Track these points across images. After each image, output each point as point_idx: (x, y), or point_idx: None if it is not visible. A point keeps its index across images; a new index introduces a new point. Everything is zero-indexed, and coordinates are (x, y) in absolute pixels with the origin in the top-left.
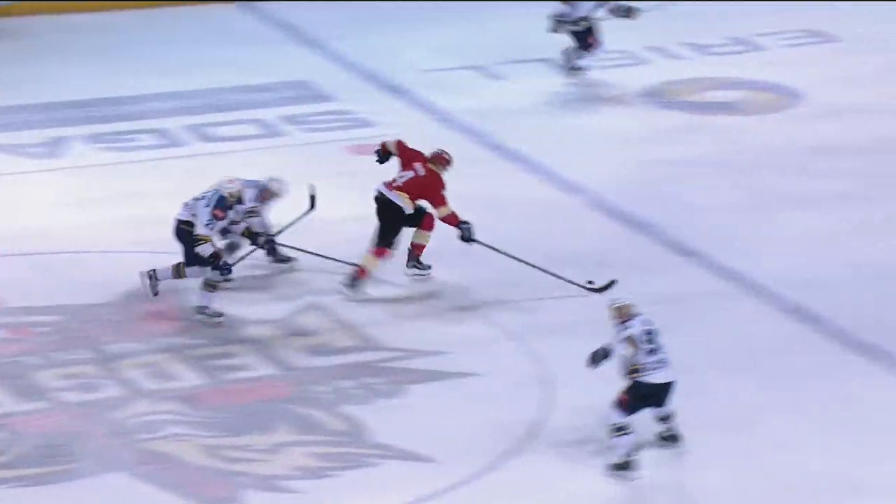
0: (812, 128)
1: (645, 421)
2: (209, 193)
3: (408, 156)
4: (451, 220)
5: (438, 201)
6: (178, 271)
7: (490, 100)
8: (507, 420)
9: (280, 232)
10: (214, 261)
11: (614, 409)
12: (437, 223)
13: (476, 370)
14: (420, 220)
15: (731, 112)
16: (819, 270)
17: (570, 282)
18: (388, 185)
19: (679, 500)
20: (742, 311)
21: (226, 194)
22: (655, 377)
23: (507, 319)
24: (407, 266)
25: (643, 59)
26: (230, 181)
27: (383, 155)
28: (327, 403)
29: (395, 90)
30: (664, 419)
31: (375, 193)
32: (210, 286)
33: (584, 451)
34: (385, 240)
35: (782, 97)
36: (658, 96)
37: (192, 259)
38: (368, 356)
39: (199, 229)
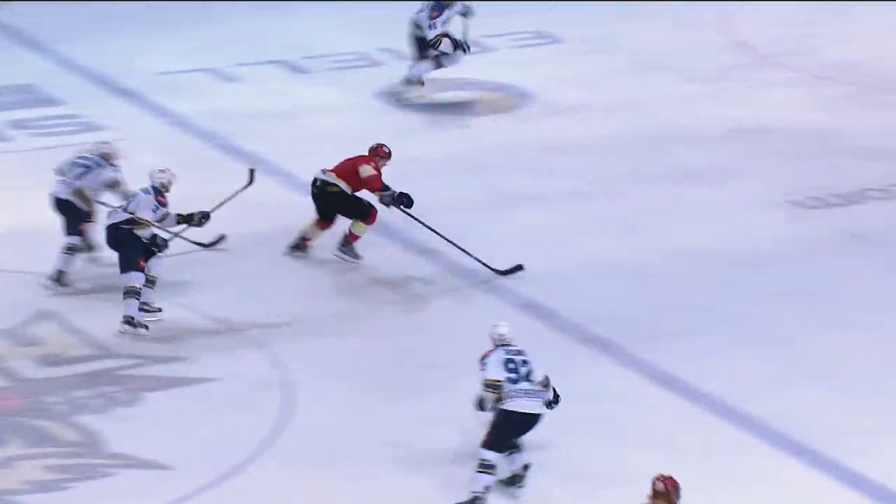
0: (542, 127)
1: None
2: (143, 191)
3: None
4: (375, 182)
5: (364, 161)
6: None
7: (224, 102)
8: (246, 425)
9: (217, 207)
10: (153, 244)
11: (483, 448)
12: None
13: (216, 375)
14: (363, 212)
15: (464, 112)
16: (551, 266)
17: (482, 263)
18: (324, 170)
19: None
20: (480, 307)
21: (158, 184)
22: (518, 405)
23: (248, 323)
24: (338, 248)
25: (377, 61)
26: (161, 170)
27: None
28: (60, 414)
29: (126, 94)
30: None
31: (312, 179)
32: (149, 283)
33: (324, 457)
34: (357, 215)
35: (512, 97)
36: (393, 97)
37: (121, 258)
38: (106, 364)
39: (143, 213)
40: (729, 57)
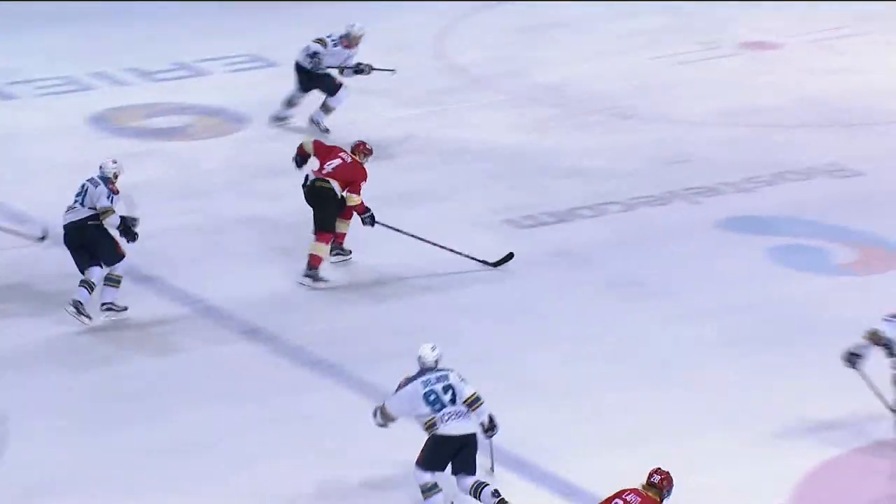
0: (259, 151)
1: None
2: (93, 184)
3: (326, 150)
4: (359, 208)
5: (355, 189)
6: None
7: None
8: None
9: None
10: (125, 227)
11: (416, 469)
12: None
13: None
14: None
15: (179, 137)
16: (276, 289)
17: (471, 258)
18: (318, 172)
19: None
20: (203, 334)
21: (110, 174)
22: (445, 429)
23: None
24: (330, 254)
25: (88, 85)
26: (112, 161)
27: (301, 157)
28: None
29: None
30: (475, 490)
31: (305, 181)
32: (114, 282)
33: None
34: (325, 225)
35: (228, 121)
36: (105, 122)
37: (101, 253)
38: None
39: (102, 203)
40: (441, 80)
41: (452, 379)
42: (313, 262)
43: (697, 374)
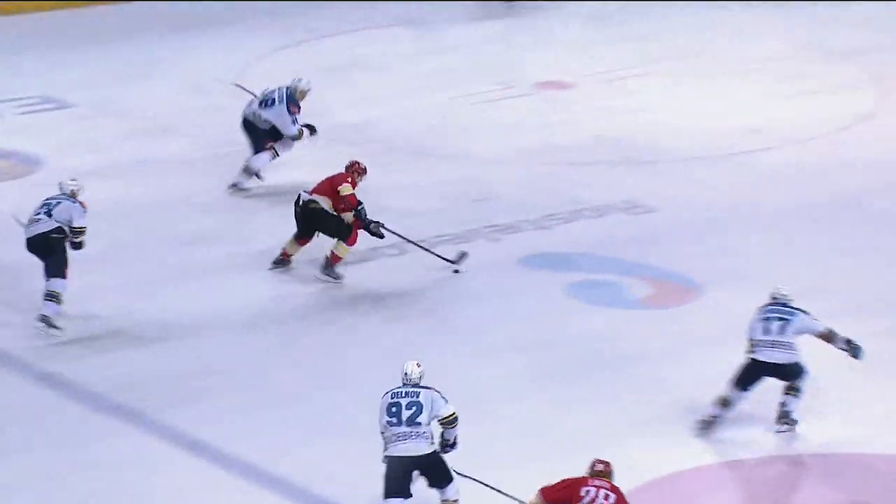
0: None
1: None
2: (60, 200)
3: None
4: (353, 199)
5: (341, 179)
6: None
7: None
8: None
9: None
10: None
11: (384, 498)
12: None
13: None
14: (344, 232)
15: None
16: (76, 333)
17: (443, 258)
18: (307, 191)
19: None
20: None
21: (72, 190)
22: (394, 450)
23: None
24: (321, 271)
25: None
26: (73, 179)
27: None
28: None
29: None
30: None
31: (297, 200)
32: (56, 298)
33: None
34: (341, 233)
35: (20, 164)
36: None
37: (52, 265)
38: None
39: (79, 222)
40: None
41: (423, 398)
42: (333, 261)
43: (501, 409)
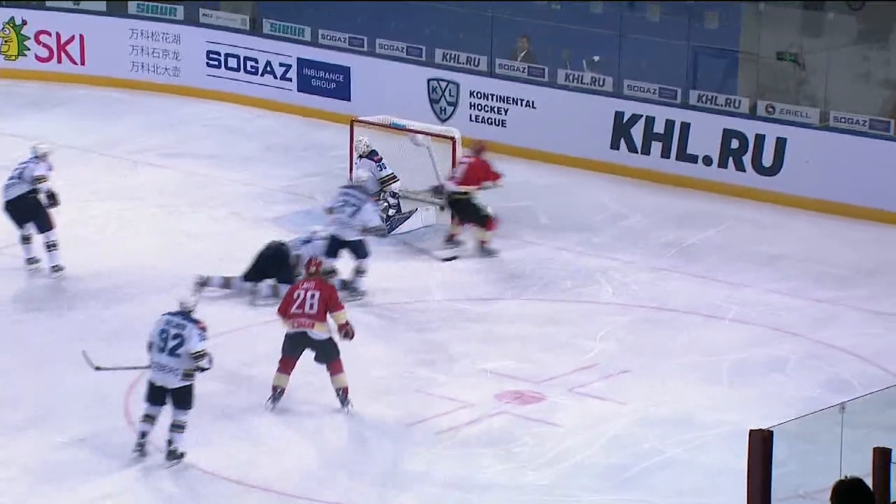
0: None
1: None
2: (30, 162)
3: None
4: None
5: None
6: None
7: None
8: None
9: None
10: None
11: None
12: None
13: None
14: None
15: None
16: None
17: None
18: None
19: None
20: None
21: (41, 154)
22: (152, 376)
23: None
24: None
25: None
26: (41, 143)
27: None
28: None
29: None
30: (172, 427)
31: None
32: (54, 246)
33: None
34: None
35: None
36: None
37: (40, 221)
38: None
39: (39, 172)
40: None
41: (187, 331)
42: (485, 242)
43: None
